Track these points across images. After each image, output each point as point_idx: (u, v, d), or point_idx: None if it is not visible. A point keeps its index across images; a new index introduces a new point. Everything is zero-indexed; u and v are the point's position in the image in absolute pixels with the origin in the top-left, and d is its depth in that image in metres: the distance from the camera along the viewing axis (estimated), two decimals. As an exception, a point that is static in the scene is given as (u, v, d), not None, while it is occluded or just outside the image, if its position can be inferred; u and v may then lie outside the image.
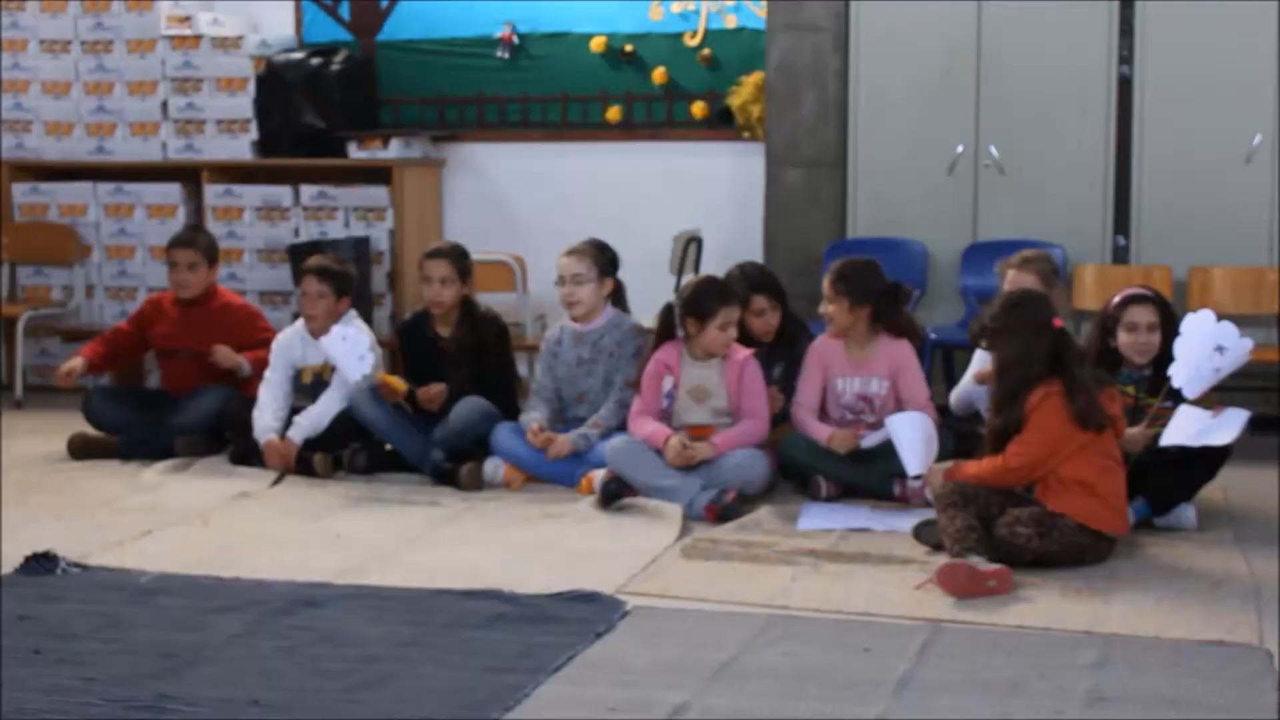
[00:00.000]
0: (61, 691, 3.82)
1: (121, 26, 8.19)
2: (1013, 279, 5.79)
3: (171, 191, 8.07)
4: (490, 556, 5.07)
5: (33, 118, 8.35)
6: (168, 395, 6.88)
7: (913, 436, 5.28)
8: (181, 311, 6.80)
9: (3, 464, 6.49)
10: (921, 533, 5.10)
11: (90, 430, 6.73)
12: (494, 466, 6.09)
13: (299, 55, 8.11)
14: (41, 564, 4.93)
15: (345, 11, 8.32)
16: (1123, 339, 5.46)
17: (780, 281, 6.25)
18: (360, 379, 6.16)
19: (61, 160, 8.34)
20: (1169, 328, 5.40)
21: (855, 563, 4.91)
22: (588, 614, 4.39)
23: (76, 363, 6.73)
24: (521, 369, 6.70)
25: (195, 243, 6.80)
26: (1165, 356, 5.30)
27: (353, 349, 6.16)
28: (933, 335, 6.76)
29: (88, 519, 5.62)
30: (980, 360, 5.83)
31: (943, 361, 7.04)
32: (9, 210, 8.35)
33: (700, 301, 5.80)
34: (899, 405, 5.75)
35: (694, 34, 7.85)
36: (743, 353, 5.84)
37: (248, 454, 6.42)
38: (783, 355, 6.11)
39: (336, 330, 6.22)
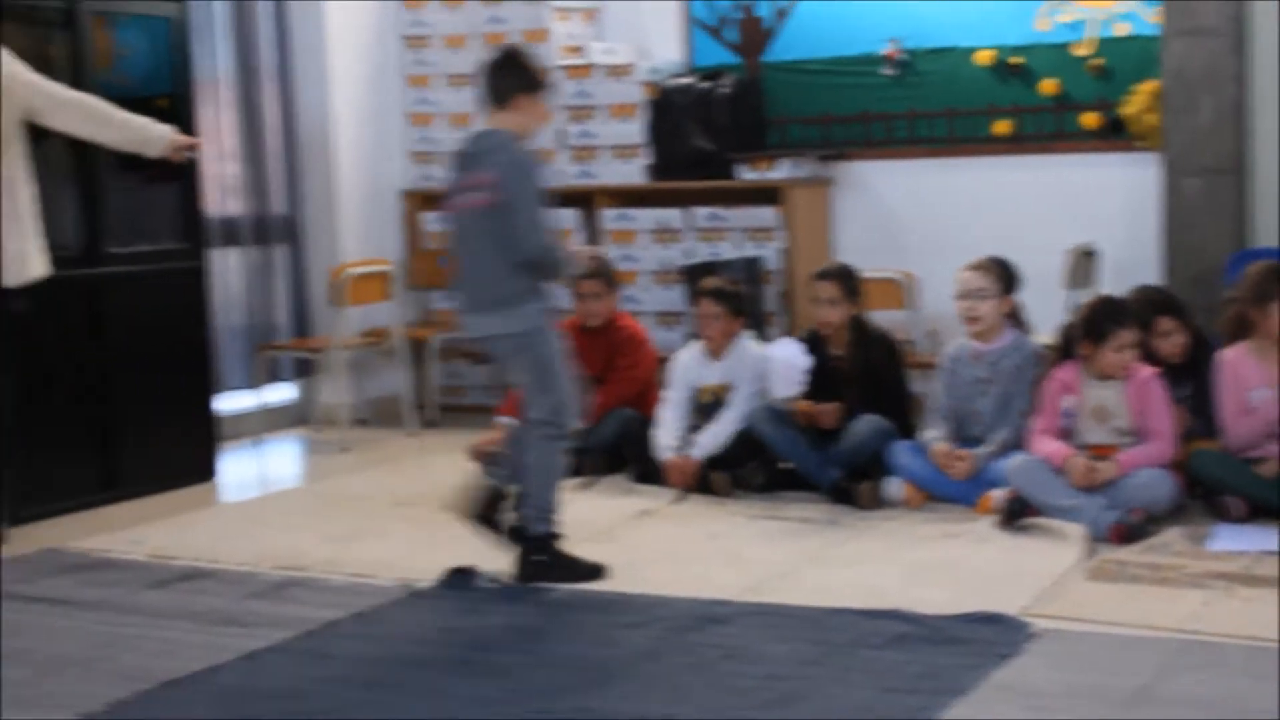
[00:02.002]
0: (486, 702, 4.00)
1: (520, 59, 8.51)
2: None
3: (568, 216, 8.32)
4: (889, 576, 5.10)
5: (438, 149, 8.74)
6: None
7: None
8: (588, 338, 7.04)
9: (418, 482, 6.84)
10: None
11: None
12: (893, 485, 6.11)
13: (688, 80, 8.28)
14: (462, 578, 5.17)
15: (732, 35, 8.46)
16: None
17: (1182, 301, 6.10)
18: (781, 399, 6.27)
19: (465, 189, 8.70)
20: None
21: (1270, 587, 4.75)
22: (991, 635, 4.36)
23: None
24: (915, 386, 6.69)
25: (596, 272, 7.05)
26: None
27: (793, 368, 6.26)
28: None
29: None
30: None
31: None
32: (419, 238, 8.78)
33: (1095, 323, 5.71)
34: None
35: (1083, 43, 7.71)
36: (1146, 371, 5.72)
37: (649, 473, 6.60)
38: (1191, 375, 5.94)
39: (787, 344, 6.36)
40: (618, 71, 8.29)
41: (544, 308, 5.15)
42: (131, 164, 6.61)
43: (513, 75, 5.18)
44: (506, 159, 5.07)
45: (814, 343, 6.49)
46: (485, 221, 5.07)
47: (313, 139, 8.58)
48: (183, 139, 6.42)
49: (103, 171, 6.67)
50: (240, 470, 7.43)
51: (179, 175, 6.97)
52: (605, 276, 7.07)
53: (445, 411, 8.52)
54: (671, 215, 8.08)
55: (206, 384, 7.26)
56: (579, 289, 7.05)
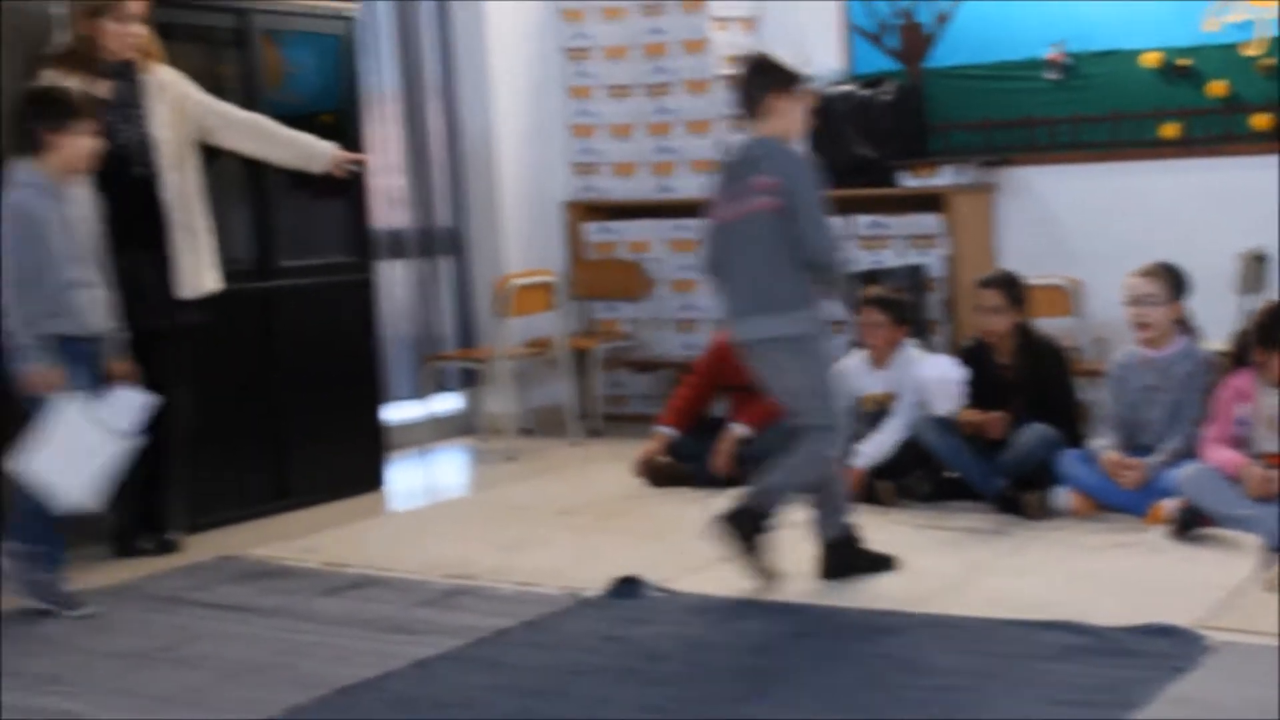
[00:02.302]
0: (654, 710, 4.02)
1: (679, 69, 8.54)
2: None
3: (729, 225, 8.32)
4: (1058, 587, 5.03)
5: (600, 160, 8.80)
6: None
7: None
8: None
9: (582, 491, 6.90)
10: None
11: (664, 459, 7.03)
12: (1061, 495, 6.03)
13: (849, 87, 8.25)
14: (628, 587, 5.20)
15: (892, 41, 8.42)
16: None
17: None
18: (945, 412, 6.24)
19: (626, 199, 8.77)
20: None
21: None
22: (1166, 648, 4.29)
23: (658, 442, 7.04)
24: (1082, 394, 6.60)
25: None
26: None
27: (948, 383, 6.23)
28: None
29: (667, 544, 5.89)
30: None
31: None
32: (581, 249, 8.85)
33: (1270, 330, 5.59)
34: None
35: (1253, 43, 7.55)
36: (1324, 379, 5.60)
37: (813, 482, 6.58)
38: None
39: (939, 361, 6.33)
40: (778, 80, 8.26)
41: (819, 313, 5.19)
42: (301, 180, 6.74)
43: (762, 80, 5.18)
44: (785, 162, 5.09)
45: (979, 351, 6.43)
46: (764, 226, 5.08)
47: (476, 152, 8.68)
48: (345, 154, 6.56)
49: (274, 187, 6.81)
50: (407, 479, 7.54)
51: (347, 190, 7.09)
52: None
53: (608, 421, 8.58)
54: (834, 223, 8.01)
55: (375, 394, 7.38)
56: None
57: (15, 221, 5.20)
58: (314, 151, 6.49)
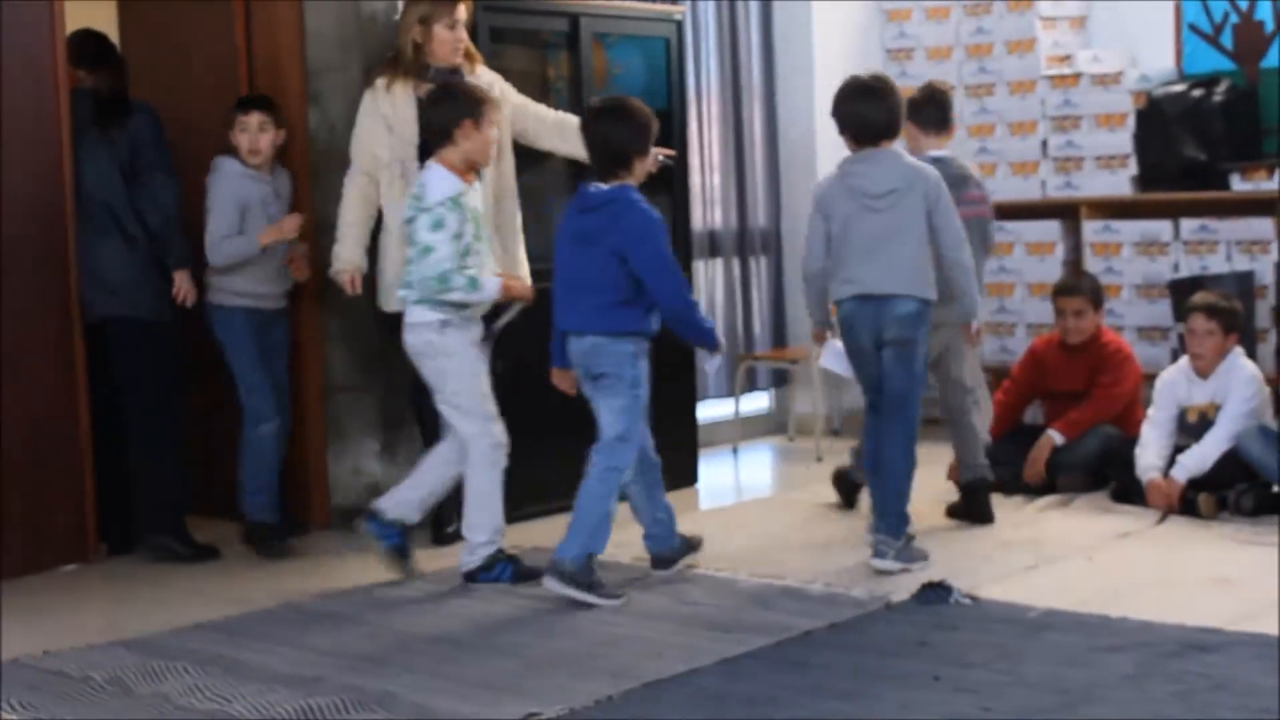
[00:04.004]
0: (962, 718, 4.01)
1: (1003, 70, 8.43)
2: None
3: (1050, 229, 8.19)
4: (1392, 610, 4.83)
5: (918, 161, 8.75)
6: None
7: None
8: (1068, 354, 6.94)
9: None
10: None
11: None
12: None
13: (1179, 87, 8.02)
14: (936, 593, 5.17)
15: (1227, 40, 8.16)
16: None
17: None
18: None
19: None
20: None
21: None
22: None
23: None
24: None
25: (1080, 288, 6.94)
26: None
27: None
28: None
29: (975, 552, 5.84)
30: None
31: None
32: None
33: None
34: None
35: None
36: None
37: (1129, 492, 6.44)
38: None
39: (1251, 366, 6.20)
40: (1105, 80, 8.10)
41: None
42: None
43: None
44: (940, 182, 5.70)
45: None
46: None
47: (795, 152, 8.71)
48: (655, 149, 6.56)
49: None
50: (719, 476, 7.61)
51: (668, 188, 7.18)
52: (1091, 293, 6.94)
53: (925, 424, 8.47)
54: (1159, 227, 7.84)
55: (690, 392, 7.46)
56: (1060, 305, 6.96)
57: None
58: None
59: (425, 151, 5.80)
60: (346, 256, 6.14)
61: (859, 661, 4.52)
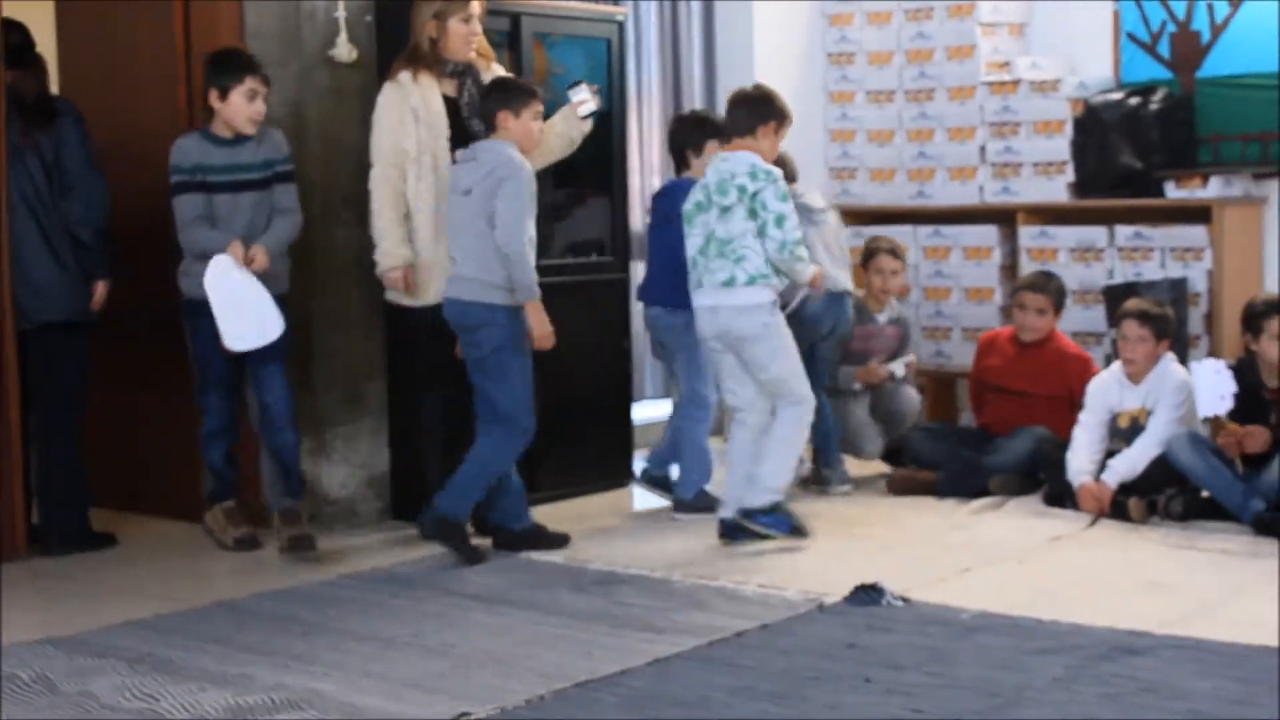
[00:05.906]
0: (891, 720, 4.03)
1: (942, 75, 8.47)
2: None
3: (988, 234, 8.23)
4: (1319, 615, 4.88)
5: (858, 165, 8.77)
6: (986, 433, 7.06)
7: None
8: (1018, 351, 6.99)
9: (827, 496, 6.90)
10: None
11: (909, 467, 7.00)
12: (1324, 520, 5.85)
13: (1117, 95, 8.06)
14: (868, 594, 5.18)
15: (1165, 49, 8.22)
16: None
17: None
18: (1209, 416, 6.12)
19: (883, 205, 8.71)
20: None
21: None
22: None
23: None
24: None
25: (1046, 288, 7.02)
26: None
27: (1219, 385, 6.10)
28: None
29: (909, 553, 5.86)
30: None
31: None
32: (835, 253, 8.82)
33: None
34: None
35: None
36: None
37: (1061, 496, 6.48)
38: None
39: (1209, 362, 6.24)
40: (1043, 87, 8.14)
41: None
42: (561, 180, 6.84)
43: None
44: None
45: (1244, 370, 6.25)
46: None
47: (734, 154, 8.71)
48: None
49: (541, 190, 6.91)
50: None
51: (606, 190, 7.18)
52: (1055, 295, 7.07)
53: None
54: (1094, 234, 7.89)
55: (626, 392, 7.46)
56: (1022, 300, 7.03)
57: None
58: (569, 127, 6.41)
59: (455, 142, 5.87)
60: (395, 254, 6.06)
61: (790, 663, 4.53)
